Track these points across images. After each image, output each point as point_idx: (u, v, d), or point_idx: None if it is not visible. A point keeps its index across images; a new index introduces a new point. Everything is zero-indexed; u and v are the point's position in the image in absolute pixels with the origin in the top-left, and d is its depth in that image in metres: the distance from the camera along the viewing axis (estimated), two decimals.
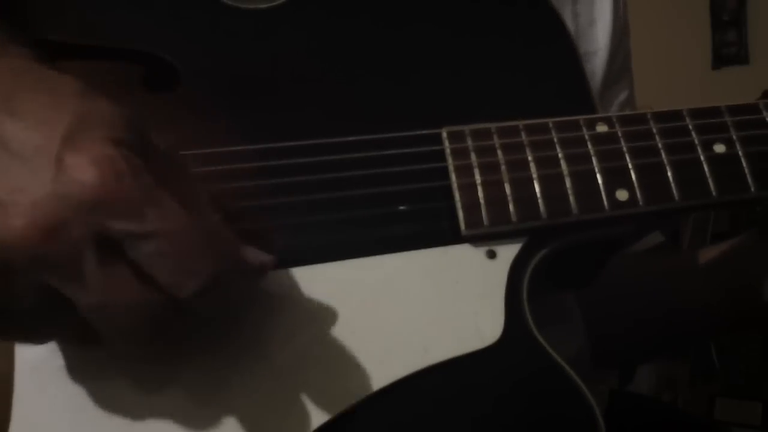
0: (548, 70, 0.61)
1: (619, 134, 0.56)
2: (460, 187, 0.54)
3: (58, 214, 0.38)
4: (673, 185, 0.55)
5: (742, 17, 2.93)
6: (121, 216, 0.39)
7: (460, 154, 0.55)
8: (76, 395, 0.49)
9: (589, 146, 0.56)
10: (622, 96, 0.84)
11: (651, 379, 2.06)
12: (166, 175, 0.42)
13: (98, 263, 0.39)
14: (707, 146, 0.56)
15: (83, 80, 0.43)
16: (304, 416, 0.49)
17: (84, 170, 0.39)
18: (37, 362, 0.49)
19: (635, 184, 0.55)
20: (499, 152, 0.55)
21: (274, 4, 0.59)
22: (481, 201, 0.54)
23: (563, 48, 0.61)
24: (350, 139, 0.55)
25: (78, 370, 0.49)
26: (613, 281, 0.76)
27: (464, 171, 0.55)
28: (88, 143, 0.39)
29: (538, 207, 0.54)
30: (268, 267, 0.45)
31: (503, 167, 0.55)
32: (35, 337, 0.45)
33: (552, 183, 0.55)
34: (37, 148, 0.39)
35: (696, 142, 0.56)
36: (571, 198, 0.54)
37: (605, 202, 0.54)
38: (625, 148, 0.56)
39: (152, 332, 0.43)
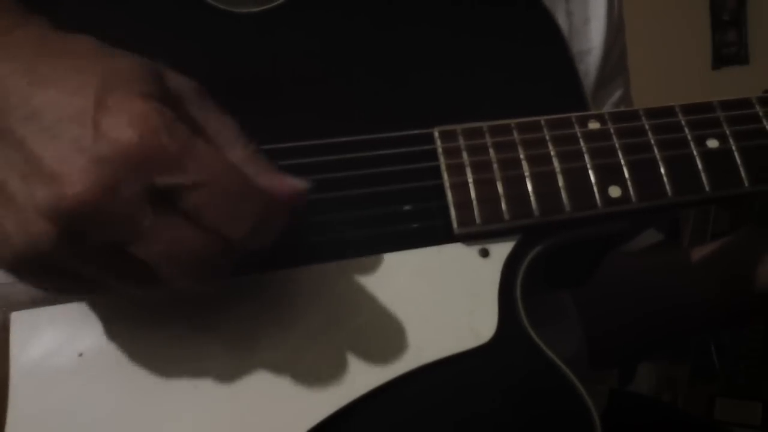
0: (541, 70, 0.61)
1: (612, 131, 0.56)
2: (452, 186, 0.54)
3: (107, 177, 0.40)
4: (666, 181, 0.55)
5: (742, 17, 2.92)
6: (163, 171, 0.41)
7: (452, 153, 0.55)
8: (71, 399, 0.49)
9: (582, 143, 0.56)
10: (617, 95, 0.84)
11: (651, 379, 2.06)
12: (194, 117, 0.44)
13: (155, 215, 0.41)
14: (700, 142, 0.56)
15: (98, 40, 0.45)
16: (299, 416, 0.49)
17: (121, 131, 0.40)
18: (32, 366, 0.50)
19: (628, 181, 0.55)
20: (491, 151, 0.55)
21: (267, 7, 0.59)
22: (474, 199, 0.54)
23: (556, 48, 0.61)
24: (343, 139, 0.55)
25: (74, 373, 0.50)
26: (610, 279, 0.76)
27: (456, 170, 0.55)
28: (120, 102, 0.41)
29: (531, 205, 0.54)
30: (305, 194, 0.46)
31: (495, 165, 0.55)
32: (104, 289, 0.46)
33: (544, 181, 0.54)
34: (71, 117, 0.40)
35: (689, 137, 0.56)
36: (564, 195, 0.54)
37: (598, 199, 0.54)
38: (617, 145, 0.56)
39: (212, 271, 0.44)
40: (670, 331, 0.87)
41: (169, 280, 0.43)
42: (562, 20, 0.77)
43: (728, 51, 2.93)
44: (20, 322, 0.51)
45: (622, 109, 0.60)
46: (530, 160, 0.55)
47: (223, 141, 0.44)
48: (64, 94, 0.41)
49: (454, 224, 0.53)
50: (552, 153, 0.55)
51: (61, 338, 0.50)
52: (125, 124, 0.40)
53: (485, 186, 0.54)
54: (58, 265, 0.42)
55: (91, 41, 0.45)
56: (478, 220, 0.53)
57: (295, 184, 0.45)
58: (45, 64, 0.43)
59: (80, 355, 0.50)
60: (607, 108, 0.82)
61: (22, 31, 0.45)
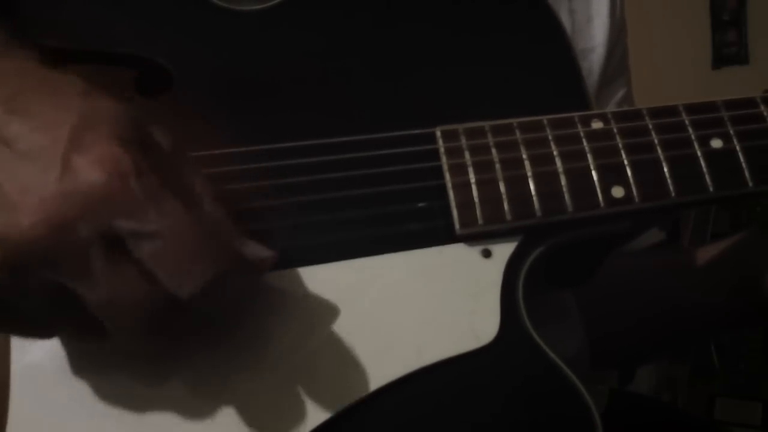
0: (543, 69, 0.61)
1: (615, 131, 0.56)
2: (455, 186, 0.54)
3: (65, 212, 0.39)
4: (669, 181, 0.55)
5: (742, 17, 2.92)
6: (124, 215, 0.40)
7: (454, 152, 0.55)
8: (72, 399, 0.49)
9: (584, 143, 0.55)
10: (620, 93, 0.83)
11: (651, 379, 2.06)
12: (169, 171, 0.43)
13: (105, 261, 0.40)
14: (704, 141, 0.56)
15: (86, 80, 0.44)
16: (299, 417, 0.49)
17: (90, 170, 0.40)
18: (34, 367, 0.50)
19: (631, 181, 0.54)
20: (494, 150, 0.55)
21: (266, 5, 0.59)
22: (476, 200, 0.54)
23: (558, 46, 0.61)
24: (344, 139, 0.55)
25: (75, 374, 0.49)
26: (612, 280, 0.76)
27: (458, 170, 0.54)
28: (94, 143, 0.40)
29: (533, 205, 0.54)
30: (268, 263, 0.45)
31: (497, 165, 0.54)
32: (42, 331, 0.46)
33: (547, 181, 0.54)
34: (43, 149, 0.40)
35: (692, 137, 0.56)
36: (566, 195, 0.54)
37: (601, 200, 0.54)
38: (620, 145, 0.55)
39: (156, 328, 0.43)
40: (672, 333, 0.87)
41: (110, 330, 0.43)
42: (565, 18, 0.77)
43: (728, 51, 2.93)
44: None
45: (625, 108, 0.60)
46: (532, 160, 0.55)
47: (195, 198, 0.44)
48: (40, 127, 0.41)
49: (456, 225, 0.53)
50: (554, 153, 0.55)
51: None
52: (94, 164, 0.40)
53: (487, 186, 0.54)
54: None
55: (79, 81, 0.44)
56: (480, 220, 0.53)
57: (260, 252, 0.45)
58: (26, 96, 0.42)
59: (80, 356, 0.50)
60: (611, 107, 0.82)
61: (8, 61, 0.45)
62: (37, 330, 0.46)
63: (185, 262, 0.41)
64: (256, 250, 0.45)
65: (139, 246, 0.41)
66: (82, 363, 0.50)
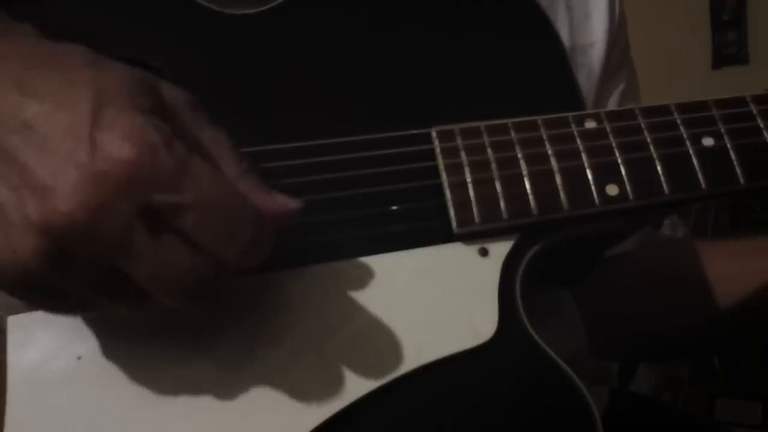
0: (537, 69, 0.61)
1: (608, 130, 0.56)
2: (451, 186, 0.54)
3: (101, 193, 0.38)
4: (662, 179, 0.55)
5: (742, 17, 2.92)
6: (159, 189, 0.40)
7: (451, 152, 0.55)
8: (70, 403, 0.49)
9: (579, 142, 0.56)
10: (621, 86, 0.84)
11: (651, 379, 2.05)
12: (189, 131, 0.43)
13: (148, 235, 0.40)
14: (696, 140, 0.57)
15: (89, 48, 0.43)
16: (299, 418, 0.49)
17: (119, 146, 0.39)
18: (30, 370, 0.49)
19: (625, 179, 0.55)
20: (489, 150, 0.55)
21: (263, 8, 0.59)
22: (472, 199, 0.54)
23: (551, 47, 0.62)
24: (341, 140, 0.55)
25: (73, 376, 0.49)
26: (617, 283, 0.76)
27: (455, 169, 0.55)
28: (116, 117, 0.39)
29: (529, 204, 0.54)
30: (297, 212, 0.45)
31: (493, 165, 0.55)
32: (93, 308, 0.45)
33: (542, 179, 0.55)
34: (67, 131, 0.39)
35: (684, 135, 0.57)
36: (562, 194, 0.55)
37: (596, 198, 0.55)
38: (614, 144, 0.56)
39: (206, 293, 0.43)
40: (668, 346, 0.87)
41: (161, 301, 0.42)
42: (562, 15, 0.78)
43: (728, 51, 2.93)
44: (17, 325, 0.50)
45: (618, 108, 0.61)
46: (528, 159, 0.55)
47: (218, 156, 0.44)
48: (59, 108, 0.40)
49: (453, 224, 0.54)
50: (549, 152, 0.56)
51: (59, 341, 0.50)
52: (123, 140, 0.39)
53: (484, 185, 0.54)
54: (46, 283, 0.40)
55: (83, 51, 0.43)
56: (477, 219, 0.54)
57: (288, 202, 0.45)
58: (35, 75, 0.41)
59: (79, 358, 0.50)
60: (613, 99, 0.82)
61: (9, 40, 0.44)
62: (90, 308, 0.45)
63: (226, 225, 0.41)
64: (286, 201, 0.45)
65: (180, 216, 0.40)
66: (78, 369, 0.50)
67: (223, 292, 0.44)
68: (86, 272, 0.41)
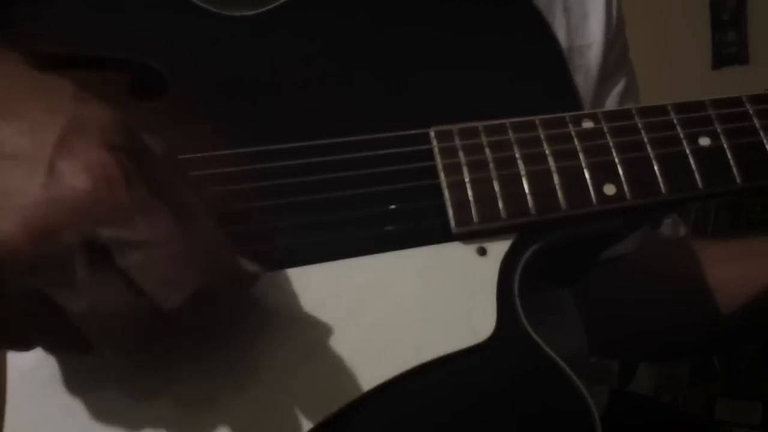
0: (535, 70, 0.61)
1: (605, 130, 0.57)
2: (450, 186, 0.55)
3: (49, 219, 0.38)
4: (660, 179, 0.56)
5: (742, 17, 2.91)
6: (110, 223, 0.39)
7: (449, 152, 0.56)
8: (68, 403, 0.49)
9: (576, 142, 0.56)
10: (619, 86, 0.84)
11: (651, 379, 2.05)
12: (160, 180, 0.42)
13: (88, 269, 0.39)
14: (692, 140, 0.57)
15: (79, 85, 0.43)
16: (297, 418, 0.49)
17: (76, 176, 0.38)
18: (30, 370, 0.49)
19: (622, 179, 0.55)
20: (487, 150, 0.56)
21: (261, 10, 0.60)
22: (471, 199, 0.54)
23: (549, 48, 0.62)
24: (339, 140, 0.56)
25: (71, 378, 0.49)
26: (617, 283, 0.76)
27: (453, 169, 0.55)
28: (82, 148, 0.39)
29: (527, 203, 0.54)
30: (256, 278, 0.45)
31: (491, 165, 0.55)
32: (24, 343, 0.44)
33: (540, 179, 0.55)
34: (29, 153, 0.39)
35: (681, 135, 0.57)
36: (560, 193, 0.55)
37: (593, 197, 0.55)
38: (611, 144, 0.56)
39: (141, 340, 0.43)
40: (668, 346, 0.87)
41: (92, 342, 0.42)
42: (560, 16, 0.78)
43: (728, 51, 2.92)
44: None
45: (615, 108, 0.61)
46: (526, 159, 0.55)
47: (186, 208, 0.42)
48: (27, 130, 0.40)
49: (452, 223, 0.54)
50: (547, 152, 0.56)
51: None
52: (81, 170, 0.39)
53: (482, 185, 0.55)
54: None
55: (71, 85, 0.43)
56: (475, 219, 0.54)
57: (248, 267, 0.44)
58: (14, 99, 0.41)
59: (73, 365, 0.49)
60: (611, 100, 0.82)
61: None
62: (20, 342, 0.44)
63: (172, 274, 0.40)
64: (245, 265, 0.44)
65: (125, 255, 0.39)
66: (77, 371, 0.49)
67: (165, 341, 0.44)
68: (18, 298, 0.40)
